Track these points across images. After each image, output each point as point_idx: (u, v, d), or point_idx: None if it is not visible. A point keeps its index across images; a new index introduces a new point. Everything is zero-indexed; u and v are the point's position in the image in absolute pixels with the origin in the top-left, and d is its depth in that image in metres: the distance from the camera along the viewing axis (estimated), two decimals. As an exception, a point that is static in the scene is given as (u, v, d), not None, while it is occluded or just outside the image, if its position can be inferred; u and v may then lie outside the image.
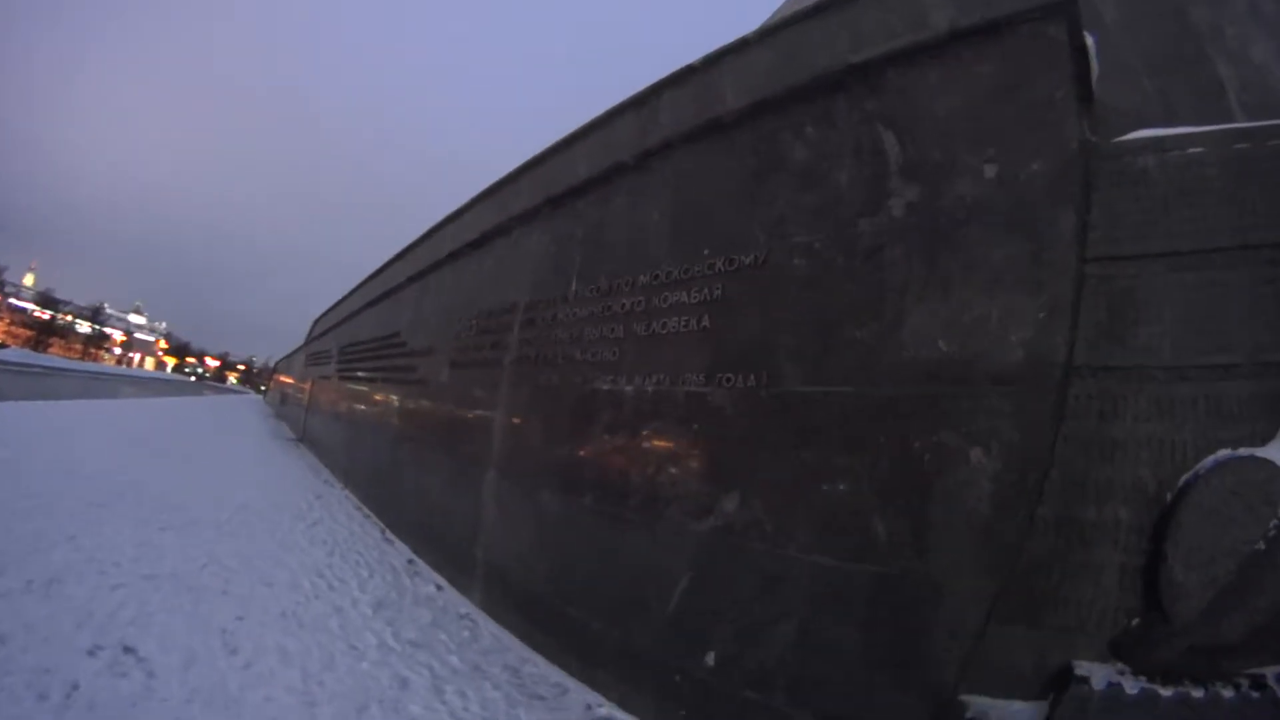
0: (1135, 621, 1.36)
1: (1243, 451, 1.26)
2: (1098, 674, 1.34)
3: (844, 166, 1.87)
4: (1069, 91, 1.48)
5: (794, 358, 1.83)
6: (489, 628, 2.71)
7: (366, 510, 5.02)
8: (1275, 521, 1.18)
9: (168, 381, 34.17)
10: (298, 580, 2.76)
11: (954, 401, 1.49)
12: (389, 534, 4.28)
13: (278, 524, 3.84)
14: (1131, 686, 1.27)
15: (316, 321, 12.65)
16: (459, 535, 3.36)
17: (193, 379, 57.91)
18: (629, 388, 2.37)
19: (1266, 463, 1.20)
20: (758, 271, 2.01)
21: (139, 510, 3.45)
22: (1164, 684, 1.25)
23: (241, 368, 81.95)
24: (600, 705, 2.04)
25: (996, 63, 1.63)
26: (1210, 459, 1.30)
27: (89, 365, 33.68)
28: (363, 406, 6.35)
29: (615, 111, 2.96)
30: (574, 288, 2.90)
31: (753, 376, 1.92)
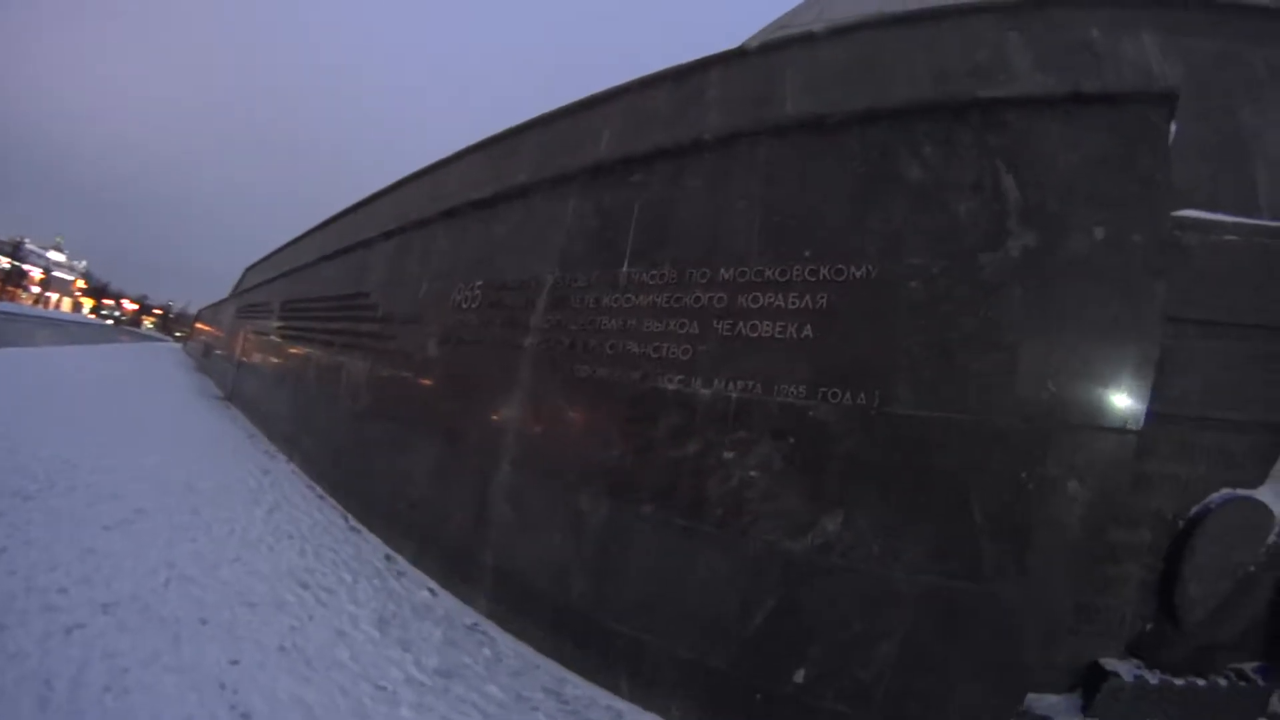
0: (1149, 626, 1.83)
1: (1241, 491, 1.77)
2: (1122, 669, 1.78)
3: (964, 197, 2.06)
4: (1166, 175, 1.84)
5: (910, 380, 1.99)
6: (506, 642, 2.58)
7: (321, 490, 4.50)
8: (1263, 549, 1.70)
9: (85, 325, 32.81)
10: (280, 594, 2.34)
11: (1058, 436, 1.80)
12: (353, 521, 3.87)
13: (233, 512, 3.46)
14: (1153, 679, 1.73)
15: (251, 270, 11.48)
16: (456, 534, 3.09)
17: (109, 322, 57.32)
18: (705, 391, 2.36)
19: (1260, 503, 1.72)
20: (868, 287, 2.13)
21: (73, 502, 2.92)
22: (1175, 676, 1.73)
23: (158, 312, 78.09)
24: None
25: (1106, 133, 1.93)
26: (1218, 495, 1.79)
27: (4, 305, 32.17)
28: (314, 371, 5.63)
29: (692, 70, 2.84)
30: (626, 270, 2.74)
31: (863, 394, 2.04)
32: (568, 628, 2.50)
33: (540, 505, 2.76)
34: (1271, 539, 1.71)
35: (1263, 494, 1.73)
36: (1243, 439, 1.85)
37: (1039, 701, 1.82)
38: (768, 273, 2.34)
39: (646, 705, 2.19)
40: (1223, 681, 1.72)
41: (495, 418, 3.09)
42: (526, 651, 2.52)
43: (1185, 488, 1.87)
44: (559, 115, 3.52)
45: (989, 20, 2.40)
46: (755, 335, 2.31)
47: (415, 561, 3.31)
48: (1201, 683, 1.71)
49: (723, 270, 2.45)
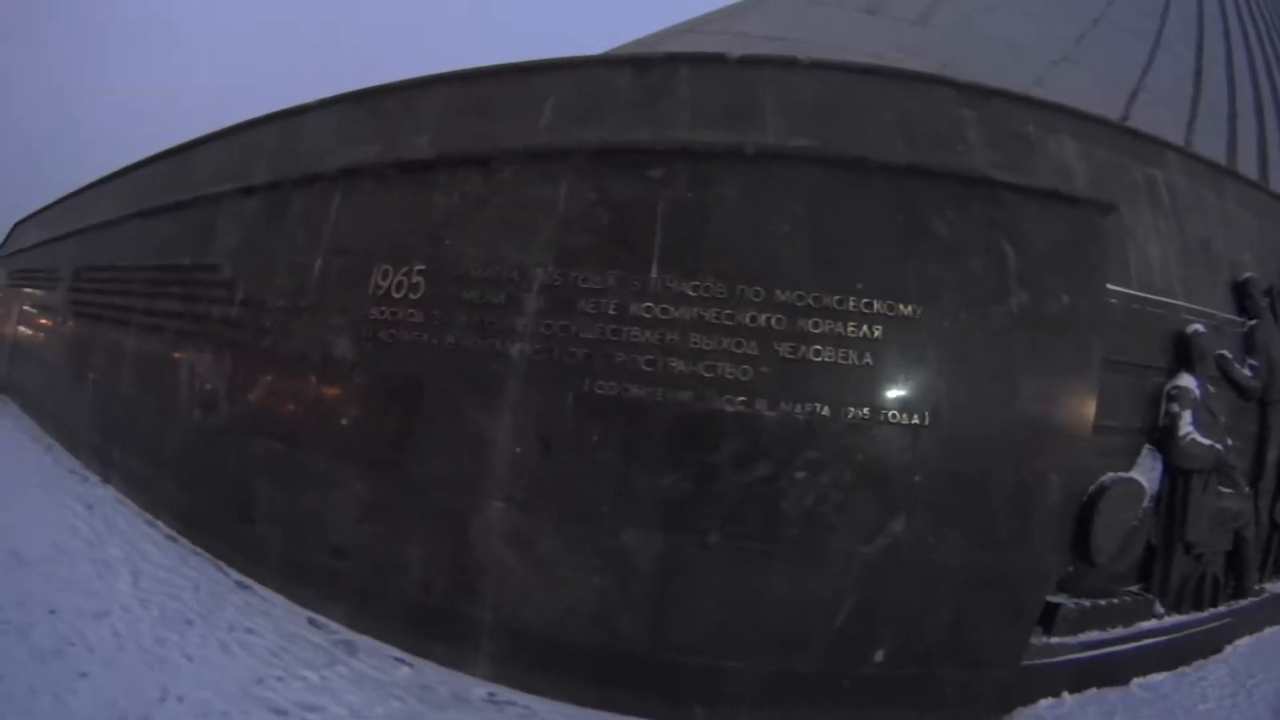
0: (1070, 569, 2.75)
1: (1124, 474, 2.77)
2: (1064, 600, 2.68)
3: (979, 256, 2.63)
4: (1105, 261, 2.69)
5: (949, 403, 2.52)
6: (542, 706, 2.45)
7: (167, 527, 3.80)
8: (1140, 510, 2.72)
9: None
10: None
11: (1043, 442, 2.54)
12: (237, 575, 3.26)
13: (92, 592, 2.84)
14: (1084, 604, 2.64)
15: (23, 225, 9.64)
16: (422, 590, 2.76)
17: None
18: (771, 413, 2.50)
19: (1135, 480, 2.74)
20: (915, 322, 2.55)
21: None
22: (1093, 600, 2.67)
23: None
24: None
25: (1065, 223, 2.71)
26: (1109, 476, 2.77)
27: None
28: (132, 366, 4.65)
29: (658, 62, 2.97)
30: (655, 275, 2.65)
31: (915, 416, 2.50)
32: (617, 674, 2.49)
33: (561, 548, 2.60)
34: (1145, 505, 2.75)
35: (1135, 473, 2.75)
36: (1119, 439, 2.87)
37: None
38: (824, 300, 2.57)
39: None
40: (1126, 599, 2.72)
41: (473, 444, 2.72)
42: (571, 710, 2.44)
43: (1092, 474, 2.81)
44: (481, 75, 3.25)
45: (949, 94, 3.02)
46: (817, 360, 2.53)
47: (354, 624, 2.83)
48: (1113, 601, 2.69)
49: (778, 291, 2.58)
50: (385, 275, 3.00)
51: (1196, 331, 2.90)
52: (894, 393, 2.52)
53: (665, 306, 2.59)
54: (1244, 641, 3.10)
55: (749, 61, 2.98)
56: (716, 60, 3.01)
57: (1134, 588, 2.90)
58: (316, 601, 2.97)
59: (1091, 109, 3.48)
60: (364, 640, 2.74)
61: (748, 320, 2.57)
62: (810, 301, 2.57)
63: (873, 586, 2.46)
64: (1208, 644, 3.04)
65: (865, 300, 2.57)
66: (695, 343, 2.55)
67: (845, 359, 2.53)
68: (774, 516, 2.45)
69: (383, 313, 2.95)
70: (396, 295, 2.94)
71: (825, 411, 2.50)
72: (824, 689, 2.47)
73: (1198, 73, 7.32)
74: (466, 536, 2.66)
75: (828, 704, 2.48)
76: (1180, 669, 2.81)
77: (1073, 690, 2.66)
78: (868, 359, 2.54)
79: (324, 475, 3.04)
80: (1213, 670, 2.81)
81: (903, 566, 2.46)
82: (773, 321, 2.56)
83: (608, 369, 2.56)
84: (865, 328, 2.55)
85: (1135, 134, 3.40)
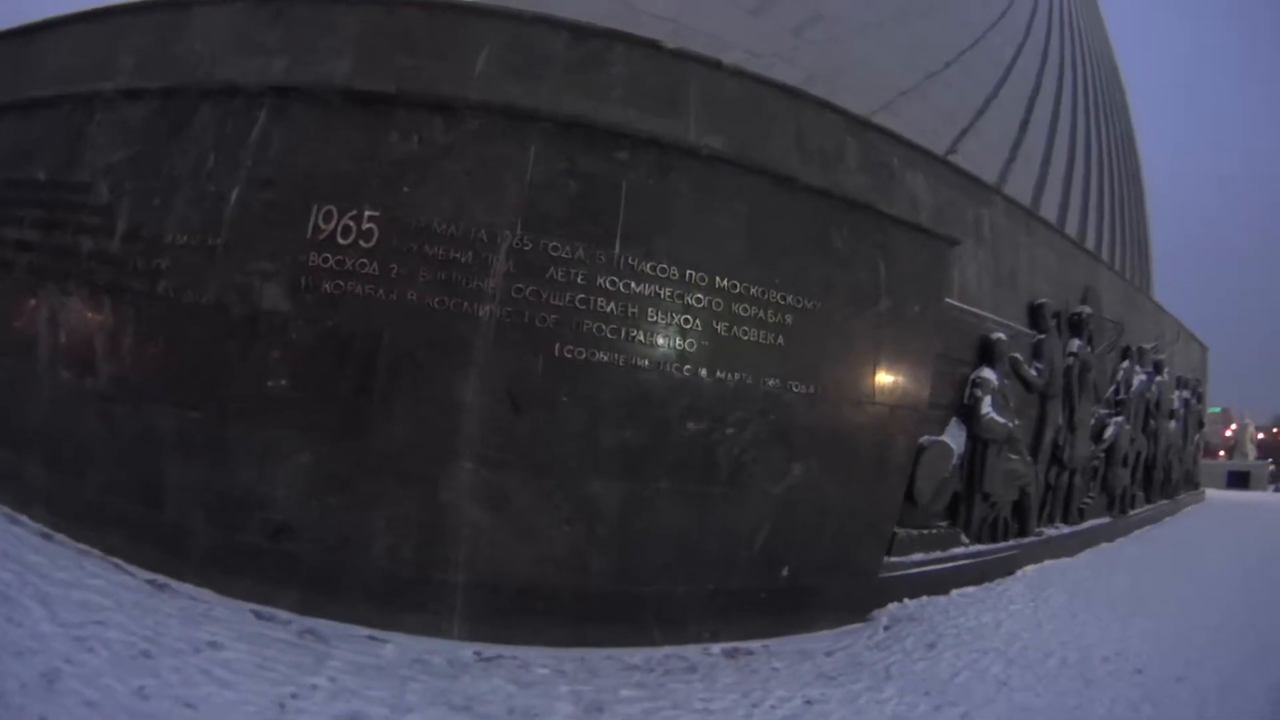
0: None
1: (936, 436, 4.02)
2: (899, 530, 3.82)
3: (864, 268, 3.64)
4: (945, 281, 3.89)
5: (834, 379, 3.49)
6: (533, 655, 2.80)
7: (40, 523, 3.21)
8: (950, 465, 3.98)
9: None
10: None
11: (895, 411, 3.65)
12: (156, 575, 2.94)
13: (17, 649, 2.17)
14: (913, 532, 3.82)
15: None
16: (389, 562, 2.96)
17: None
18: (710, 380, 3.20)
19: (945, 442, 4.00)
20: (815, 315, 3.46)
21: None
22: (917, 529, 3.86)
23: None
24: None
25: (913, 250, 3.84)
26: (928, 438, 4.01)
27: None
28: None
29: (593, 33, 3.28)
30: (618, 251, 3.17)
31: (811, 386, 3.41)
32: (589, 612, 3.05)
33: (534, 502, 3.03)
34: (954, 461, 4.02)
35: (945, 439, 4.01)
36: (937, 413, 4.13)
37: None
38: (753, 290, 3.33)
39: (682, 641, 3.07)
40: (940, 530, 3.94)
41: (437, 404, 3.00)
42: (556, 653, 2.85)
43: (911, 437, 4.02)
44: (404, 3, 3.31)
45: (836, 119, 3.98)
46: (745, 339, 3.30)
47: (308, 609, 2.83)
48: (930, 531, 3.89)
49: (719, 278, 3.28)
50: (328, 217, 3.02)
51: (999, 338, 4.32)
52: (796, 367, 3.40)
53: (626, 282, 3.14)
54: (1030, 568, 4.66)
55: (681, 55, 3.46)
56: (651, 45, 3.43)
57: (944, 523, 4.21)
58: (257, 591, 2.86)
59: (924, 140, 4.63)
60: (325, 625, 2.76)
61: (693, 301, 3.24)
62: (741, 289, 3.33)
63: (781, 518, 3.35)
64: (1002, 568, 4.53)
65: (783, 294, 3.41)
66: (651, 318, 3.16)
67: (764, 339, 3.35)
68: (710, 464, 3.20)
69: (326, 260, 2.99)
70: (343, 241, 3.01)
71: (749, 380, 3.31)
72: (748, 600, 3.31)
73: (1024, 122, 9.81)
74: (437, 500, 2.90)
75: (753, 612, 3.32)
76: (985, 584, 4.21)
77: (910, 597, 3.85)
78: (780, 340, 3.38)
79: (260, 447, 2.96)
80: (1011, 585, 4.28)
81: (800, 502, 3.39)
82: (713, 304, 3.28)
83: (576, 335, 3.04)
84: (781, 316, 3.39)
85: (972, 178, 4.80)
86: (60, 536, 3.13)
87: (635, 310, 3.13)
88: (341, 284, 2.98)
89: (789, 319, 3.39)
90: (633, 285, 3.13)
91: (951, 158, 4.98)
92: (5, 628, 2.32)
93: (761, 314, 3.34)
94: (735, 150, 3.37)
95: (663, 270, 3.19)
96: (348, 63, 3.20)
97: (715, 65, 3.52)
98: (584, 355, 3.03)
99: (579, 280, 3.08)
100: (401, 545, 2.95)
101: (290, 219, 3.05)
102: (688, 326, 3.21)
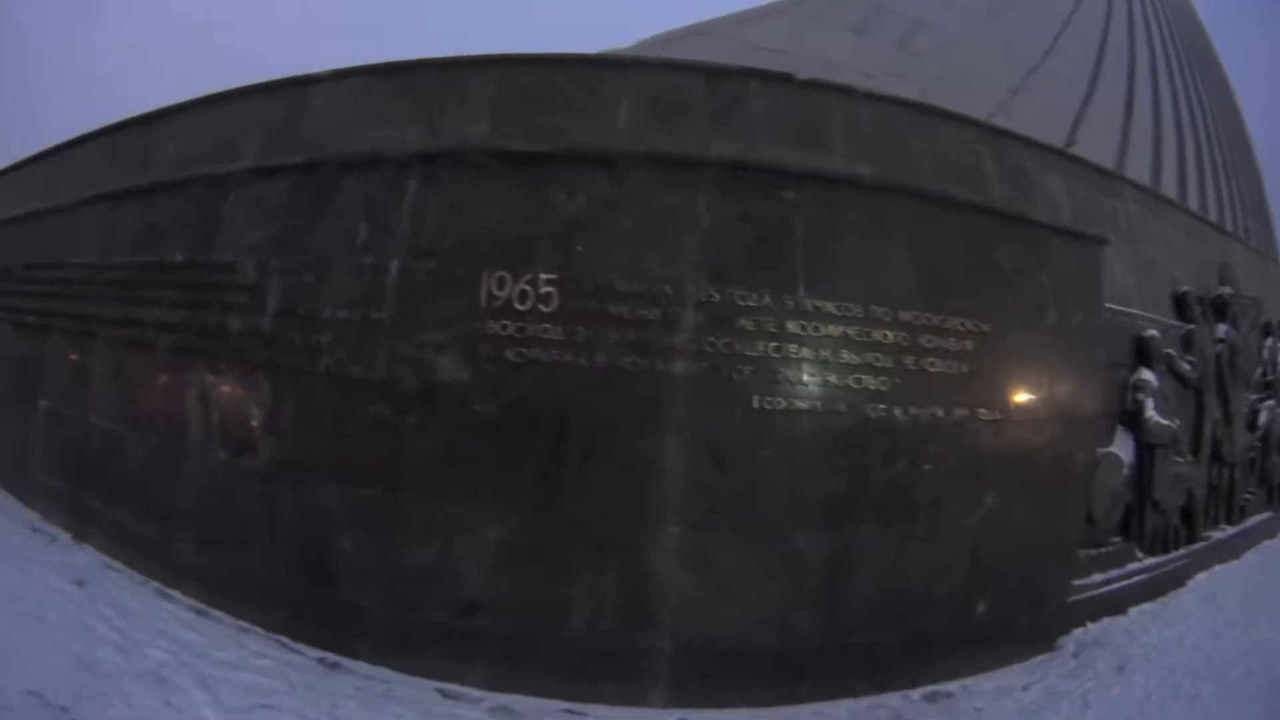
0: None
1: (1106, 448, 3.96)
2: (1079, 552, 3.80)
3: (1028, 282, 3.58)
4: (1101, 286, 3.83)
5: (1014, 401, 3.47)
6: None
7: (194, 599, 3.30)
8: (1123, 476, 3.93)
9: None
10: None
11: (1070, 428, 3.62)
12: (327, 653, 2.98)
13: None
14: (1090, 552, 3.79)
15: None
16: (587, 633, 2.93)
17: None
18: (904, 417, 3.15)
19: (1116, 453, 3.95)
20: (992, 337, 3.40)
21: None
22: (1094, 548, 3.82)
23: None
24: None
25: (1078, 254, 3.78)
26: (1100, 451, 3.95)
27: None
28: (102, 388, 3.95)
29: (727, 73, 3.38)
30: (802, 294, 3.12)
31: (996, 411, 3.38)
32: (793, 669, 3.01)
33: (739, 560, 3.01)
34: (1125, 471, 3.96)
35: (1115, 449, 3.96)
36: (1101, 422, 4.06)
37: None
38: (933, 319, 3.26)
39: (883, 689, 3.08)
40: (1115, 547, 3.93)
41: (635, 468, 2.99)
42: (756, 713, 2.86)
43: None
44: (535, 62, 3.39)
45: (965, 131, 3.94)
46: (933, 370, 3.23)
47: (498, 685, 2.86)
48: (1105, 549, 3.93)
49: (901, 312, 3.22)
50: (501, 283, 3.02)
51: (1153, 335, 4.24)
52: (981, 394, 3.36)
53: (814, 326, 3.11)
54: (1201, 576, 4.61)
55: (813, 85, 3.52)
56: (784, 79, 3.47)
57: (1117, 539, 4.16)
58: (440, 668, 2.88)
59: (1042, 137, 4.65)
60: (518, 700, 2.77)
61: (880, 336, 3.20)
62: (924, 320, 3.28)
63: (975, 551, 3.32)
64: (1174, 579, 4.47)
65: (960, 321, 3.35)
66: (844, 358, 3.12)
67: (950, 369, 3.30)
68: (909, 504, 3.18)
69: (505, 327, 2.98)
70: (521, 307, 3.00)
71: (940, 413, 3.26)
72: (944, 640, 3.28)
73: (1129, 103, 9.70)
74: (639, 566, 2.91)
75: (949, 652, 3.29)
76: (1159, 599, 4.18)
77: (1092, 620, 3.82)
78: (964, 368, 3.33)
79: (442, 523, 2.97)
80: (1185, 598, 4.25)
81: (993, 533, 3.35)
82: (899, 338, 3.23)
83: (773, 385, 3.01)
84: (963, 344, 3.34)
85: (1101, 170, 4.72)
86: (216, 613, 3.20)
87: (827, 353, 3.09)
88: (524, 351, 2.96)
89: (969, 345, 3.34)
90: (821, 328, 3.10)
91: (1071, 151, 4.89)
92: (164, 713, 2.36)
93: (943, 343, 3.30)
94: (882, 176, 3.31)
95: (847, 309, 3.15)
96: (484, 125, 3.21)
97: (848, 92, 3.53)
98: (782, 405, 3.00)
99: (770, 328, 3.05)
100: (600, 615, 2.95)
101: (459, 287, 3.05)
102: (878, 365, 3.17)
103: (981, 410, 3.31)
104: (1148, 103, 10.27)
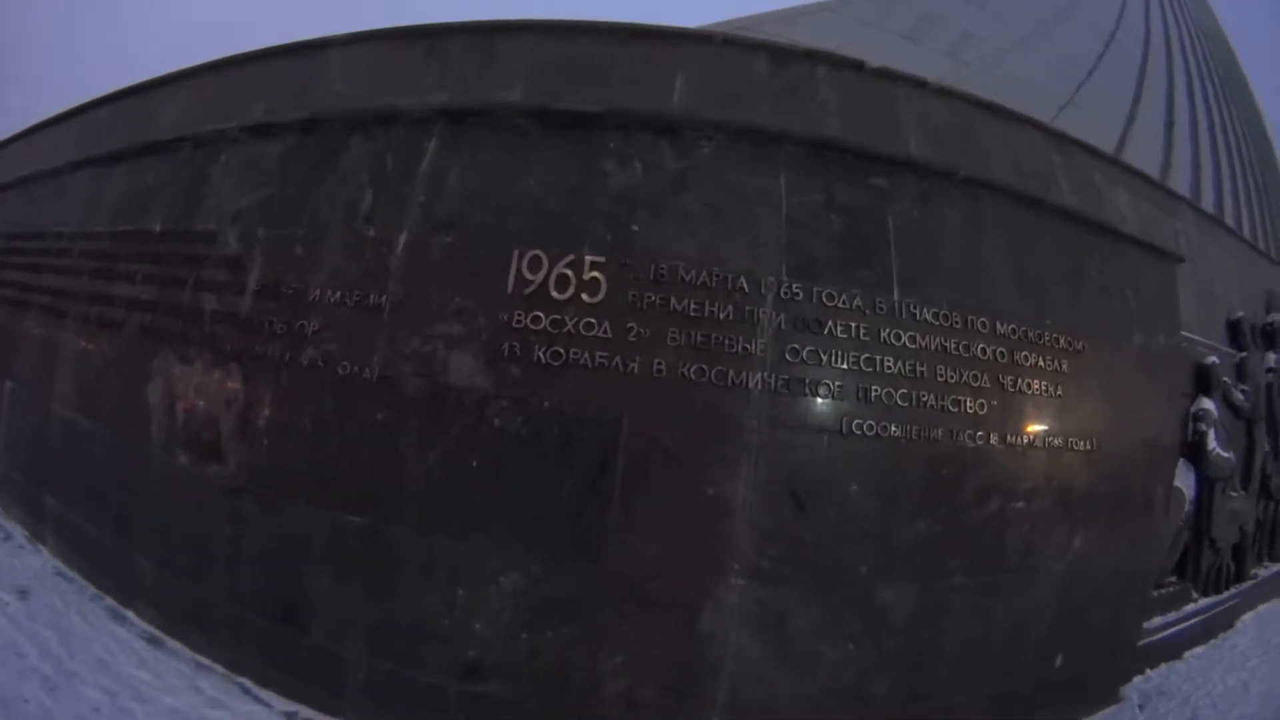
0: None
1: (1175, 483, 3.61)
2: None
3: (1117, 299, 3.19)
4: (1177, 307, 3.43)
5: (1106, 430, 3.04)
6: None
7: (148, 622, 2.82)
8: (1185, 512, 3.57)
9: None
10: None
11: (1155, 457, 3.26)
12: (297, 706, 2.50)
13: None
14: (1151, 595, 3.43)
15: None
16: (623, 707, 2.37)
17: None
18: (1001, 446, 2.66)
19: (1179, 488, 3.59)
20: (1085, 357, 2.98)
21: None
22: (1156, 590, 3.48)
23: None
24: None
25: (1158, 271, 3.39)
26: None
27: None
28: (72, 376, 3.35)
29: (793, 55, 2.89)
30: (897, 298, 2.60)
31: (1088, 442, 2.96)
32: None
33: (817, 621, 2.50)
34: (1187, 509, 3.62)
35: (1178, 482, 3.62)
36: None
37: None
38: (1029, 333, 2.83)
39: None
40: (1173, 588, 3.63)
41: (698, 506, 2.41)
42: None
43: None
44: (580, 30, 2.81)
45: (1038, 137, 3.50)
46: (1029, 392, 2.79)
47: None
48: (1164, 590, 3.67)
49: (999, 324, 2.77)
50: (534, 265, 2.42)
51: (1214, 363, 3.92)
52: (1075, 421, 2.94)
53: (912, 335, 2.61)
54: (1248, 616, 4.40)
55: (885, 75, 3.02)
56: (855, 66, 3.00)
57: (1173, 579, 3.85)
58: None
59: None
60: None
61: (978, 352, 2.72)
62: (1020, 334, 2.85)
63: (1061, 599, 2.92)
64: (1224, 620, 4.26)
65: (1054, 335, 2.92)
66: (940, 373, 2.63)
67: (1045, 391, 2.86)
68: (1000, 547, 2.74)
69: (537, 320, 2.40)
70: (559, 296, 2.41)
71: (1035, 442, 2.84)
72: (1020, 699, 2.86)
73: (1169, 124, 9.54)
74: (694, 629, 2.37)
75: (1022, 712, 2.86)
76: (1210, 642, 3.94)
77: (1150, 667, 3.52)
78: (1059, 391, 2.89)
79: (448, 563, 2.39)
80: (1237, 640, 4.03)
81: (1078, 578, 2.97)
82: (997, 354, 2.76)
83: (865, 405, 2.48)
84: (1056, 362, 2.92)
85: (1164, 189, 4.40)
86: (173, 643, 2.77)
87: (924, 369, 2.59)
88: (561, 351, 2.36)
89: (1065, 365, 2.93)
90: (918, 338, 2.60)
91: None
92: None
93: (1040, 362, 2.86)
94: (974, 171, 2.85)
95: (945, 318, 2.67)
96: (518, 93, 2.61)
97: (921, 84, 3.05)
98: (874, 430, 2.48)
99: (862, 335, 2.52)
100: (641, 685, 2.40)
101: (481, 268, 2.44)
102: (976, 384, 2.69)
103: (1074, 440, 2.90)
104: (1186, 125, 10.25)
